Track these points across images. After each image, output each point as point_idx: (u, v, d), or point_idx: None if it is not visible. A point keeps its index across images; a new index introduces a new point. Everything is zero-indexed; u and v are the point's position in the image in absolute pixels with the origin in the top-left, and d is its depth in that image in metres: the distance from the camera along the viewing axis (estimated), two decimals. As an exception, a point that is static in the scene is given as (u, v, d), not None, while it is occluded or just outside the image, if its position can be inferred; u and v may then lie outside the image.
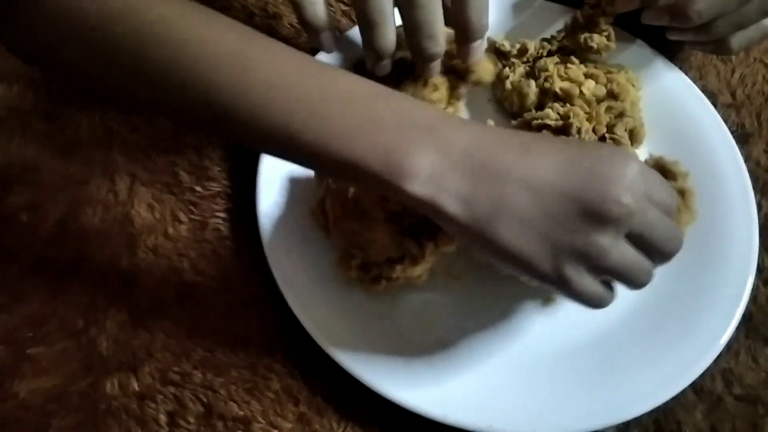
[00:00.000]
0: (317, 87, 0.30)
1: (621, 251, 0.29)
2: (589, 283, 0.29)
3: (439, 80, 0.43)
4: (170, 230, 0.45)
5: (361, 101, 0.30)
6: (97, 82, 0.34)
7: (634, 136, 0.45)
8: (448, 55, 0.43)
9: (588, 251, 0.28)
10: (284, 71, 0.30)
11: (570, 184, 0.29)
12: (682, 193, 0.36)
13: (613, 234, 0.29)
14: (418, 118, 0.30)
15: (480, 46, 0.41)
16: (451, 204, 0.29)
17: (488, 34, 0.47)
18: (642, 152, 0.45)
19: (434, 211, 0.29)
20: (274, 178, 0.44)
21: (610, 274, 0.30)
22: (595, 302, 0.31)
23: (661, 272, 0.35)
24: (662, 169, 0.37)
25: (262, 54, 0.31)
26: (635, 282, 0.31)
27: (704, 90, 0.49)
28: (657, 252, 0.31)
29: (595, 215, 0.28)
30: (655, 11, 0.43)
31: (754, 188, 0.45)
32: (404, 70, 0.43)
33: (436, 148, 0.29)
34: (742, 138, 0.49)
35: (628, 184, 0.28)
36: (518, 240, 0.29)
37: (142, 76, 0.31)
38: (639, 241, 0.30)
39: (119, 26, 0.30)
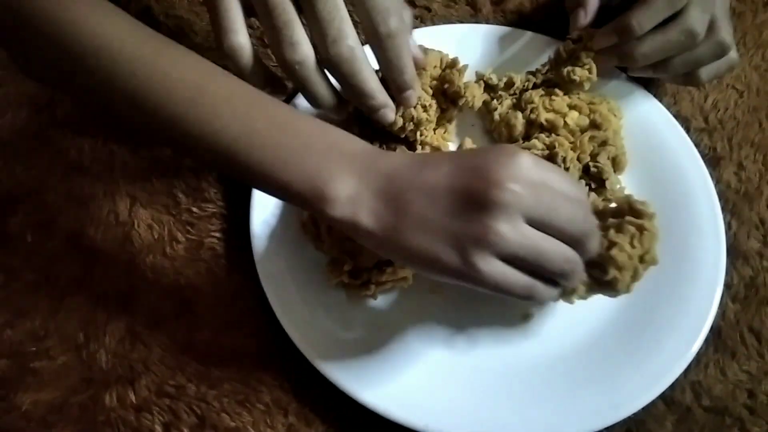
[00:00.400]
0: (261, 118, 0.34)
1: (522, 234, 0.30)
2: (501, 269, 0.31)
3: (429, 101, 0.45)
4: (168, 249, 0.47)
5: (298, 131, 0.34)
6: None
7: (616, 164, 0.47)
8: (441, 80, 0.46)
9: (486, 238, 0.30)
10: (234, 104, 0.35)
11: (459, 180, 0.31)
12: (641, 230, 0.37)
13: (506, 218, 0.30)
14: (345, 148, 0.34)
15: (411, 95, 0.43)
16: (366, 221, 0.32)
17: (477, 67, 0.50)
18: (622, 178, 0.48)
19: (354, 229, 0.33)
20: (267, 198, 0.46)
21: (521, 259, 0.31)
22: (520, 291, 0.32)
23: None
24: (630, 206, 0.38)
25: (216, 88, 0.35)
26: (554, 267, 0.32)
27: (678, 115, 0.52)
28: (565, 236, 0.32)
29: (484, 202, 0.30)
30: (604, 54, 0.46)
31: (725, 209, 0.48)
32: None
33: (358, 174, 0.33)
34: (713, 161, 0.51)
35: (515, 171, 0.30)
36: (423, 241, 0.31)
37: (118, 105, 0.36)
38: (544, 226, 0.31)
39: (95, 61, 0.34)
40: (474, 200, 0.30)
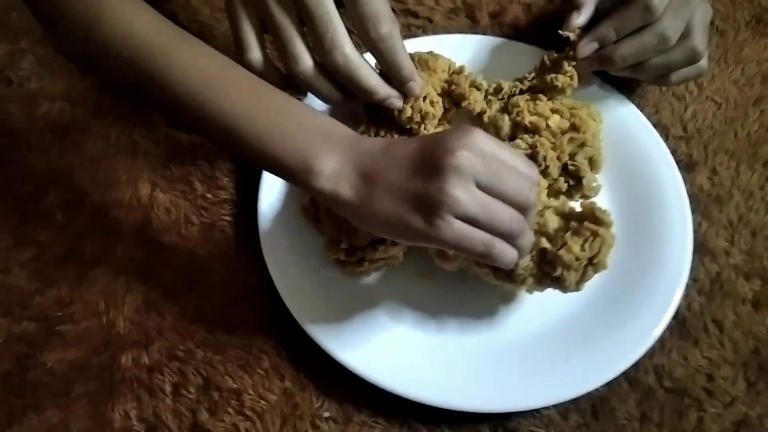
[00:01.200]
0: (261, 102, 0.40)
1: (473, 195, 0.35)
2: (459, 227, 0.35)
3: (436, 99, 0.50)
4: (183, 230, 0.52)
5: (292, 115, 0.40)
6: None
7: (593, 164, 0.51)
8: (448, 83, 0.51)
9: (442, 198, 0.34)
10: (240, 89, 0.40)
11: (421, 150, 0.36)
12: (594, 236, 0.40)
13: (459, 181, 0.34)
14: (332, 131, 0.39)
15: (413, 86, 0.47)
16: (345, 192, 0.37)
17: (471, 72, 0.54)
18: (600, 177, 0.52)
19: (335, 200, 0.37)
20: (274, 184, 0.51)
21: (475, 219, 0.35)
22: (479, 248, 0.35)
23: (604, 276, 0.43)
24: (591, 213, 0.41)
25: (226, 75, 0.41)
26: (504, 226, 0.36)
27: (658, 123, 0.56)
28: (512, 203, 0.36)
29: (439, 167, 0.35)
30: (587, 60, 0.51)
31: (697, 210, 0.52)
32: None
33: (341, 153, 0.38)
34: (689, 166, 0.55)
35: (467, 142, 0.35)
36: (391, 207, 0.36)
37: (140, 86, 0.42)
38: (492, 192, 0.36)
39: (122, 43, 0.40)
40: (431, 165, 0.35)
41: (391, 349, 0.46)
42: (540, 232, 0.42)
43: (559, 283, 0.41)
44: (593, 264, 0.41)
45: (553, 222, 0.43)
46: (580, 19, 0.51)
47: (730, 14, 0.63)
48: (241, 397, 0.46)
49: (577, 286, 0.42)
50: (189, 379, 0.47)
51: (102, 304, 0.49)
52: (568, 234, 0.41)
